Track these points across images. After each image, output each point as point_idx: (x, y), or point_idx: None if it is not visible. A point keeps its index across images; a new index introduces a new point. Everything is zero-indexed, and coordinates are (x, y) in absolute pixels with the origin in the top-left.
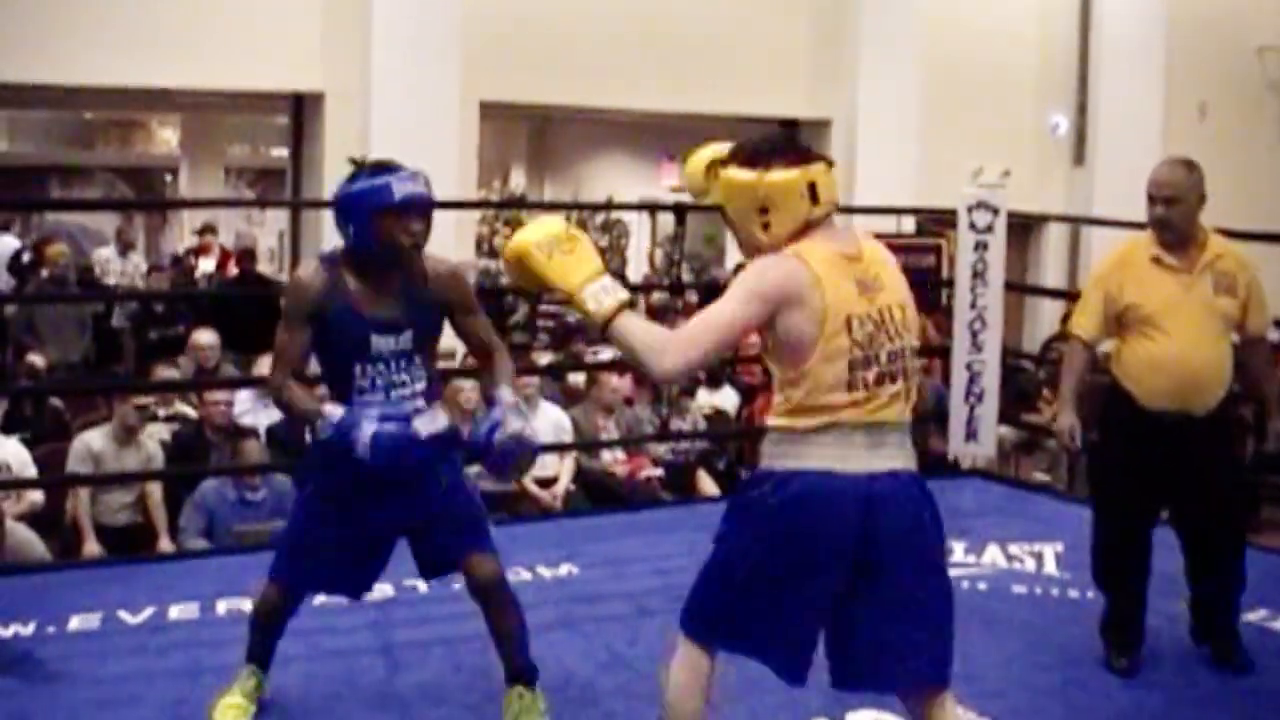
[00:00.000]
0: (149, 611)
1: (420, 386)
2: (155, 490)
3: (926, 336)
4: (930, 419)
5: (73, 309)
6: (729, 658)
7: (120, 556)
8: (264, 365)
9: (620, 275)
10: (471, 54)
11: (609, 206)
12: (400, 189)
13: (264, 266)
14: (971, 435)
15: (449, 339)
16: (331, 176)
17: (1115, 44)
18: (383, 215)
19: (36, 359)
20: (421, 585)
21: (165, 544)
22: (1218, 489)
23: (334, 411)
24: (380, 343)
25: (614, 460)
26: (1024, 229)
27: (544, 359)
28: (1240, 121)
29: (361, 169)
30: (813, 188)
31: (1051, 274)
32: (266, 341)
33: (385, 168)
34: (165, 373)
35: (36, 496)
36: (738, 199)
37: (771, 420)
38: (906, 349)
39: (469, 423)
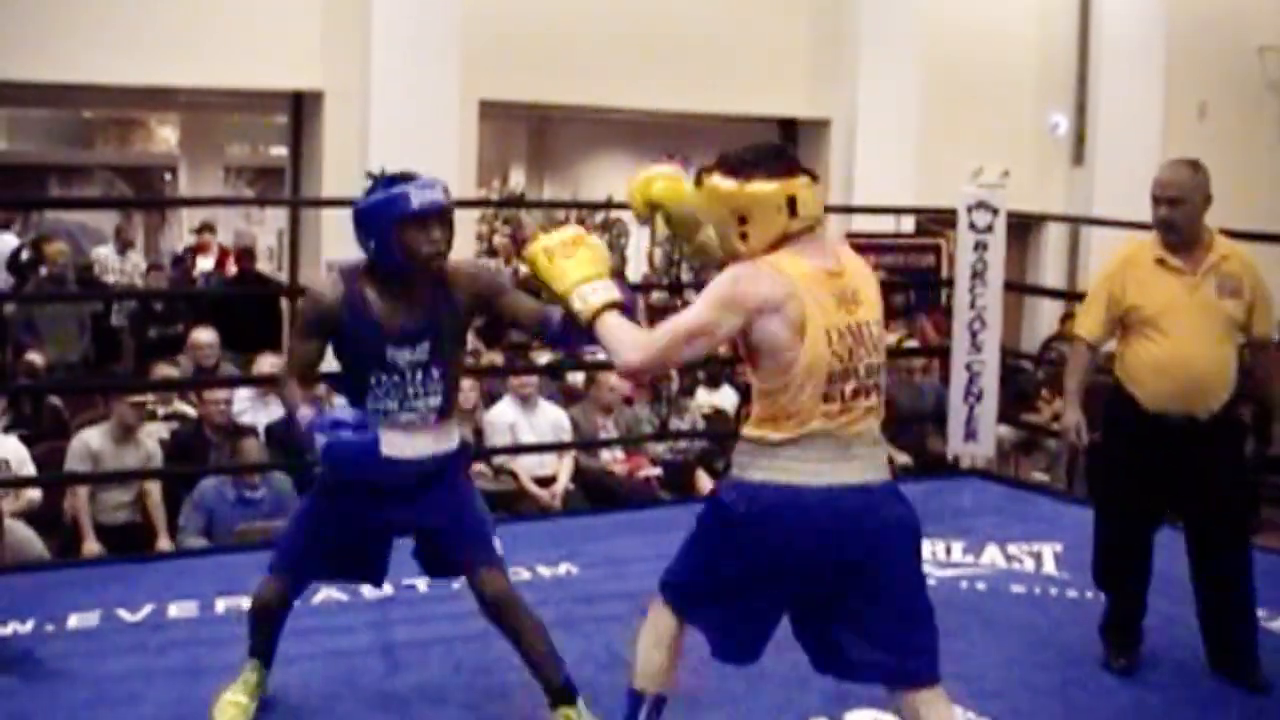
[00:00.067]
0: (148, 610)
1: (435, 401)
2: (154, 489)
3: (925, 337)
4: (929, 419)
5: (72, 308)
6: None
7: (119, 555)
8: (263, 364)
9: (619, 275)
10: (471, 54)
11: (609, 206)
12: (419, 197)
13: (263, 265)
14: (971, 435)
15: None
16: (331, 176)
17: (1115, 44)
18: (403, 225)
19: (35, 357)
20: (421, 585)
21: (164, 543)
22: (1222, 492)
23: (305, 414)
24: (396, 354)
25: (613, 459)
26: (1023, 229)
27: (543, 358)
28: (1240, 121)
29: (379, 181)
30: (792, 201)
31: (1051, 274)
32: (265, 340)
33: (402, 178)
34: (164, 371)
35: (35, 494)
36: (718, 207)
37: (745, 430)
38: (879, 365)
39: (469, 423)
